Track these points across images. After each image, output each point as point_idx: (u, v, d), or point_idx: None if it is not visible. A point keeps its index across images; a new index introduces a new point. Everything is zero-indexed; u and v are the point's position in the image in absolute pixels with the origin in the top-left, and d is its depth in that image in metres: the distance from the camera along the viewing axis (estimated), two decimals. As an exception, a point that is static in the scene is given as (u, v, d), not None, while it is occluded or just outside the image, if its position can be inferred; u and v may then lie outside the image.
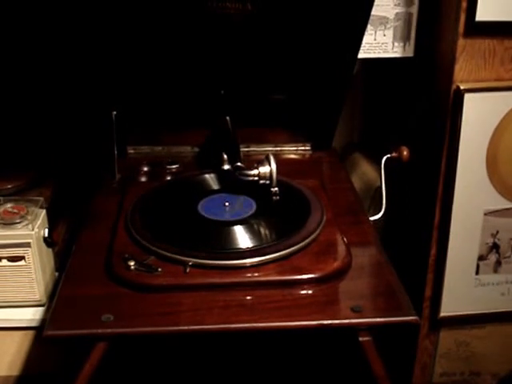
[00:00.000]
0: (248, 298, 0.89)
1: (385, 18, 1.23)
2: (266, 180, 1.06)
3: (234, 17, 1.09)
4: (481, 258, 1.27)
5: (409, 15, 1.23)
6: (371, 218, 1.14)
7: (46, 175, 1.29)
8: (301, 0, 1.09)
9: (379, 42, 1.25)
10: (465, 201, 1.22)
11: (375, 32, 1.23)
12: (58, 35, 1.26)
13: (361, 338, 0.86)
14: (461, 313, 1.31)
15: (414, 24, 1.24)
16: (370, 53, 1.25)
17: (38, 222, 1.09)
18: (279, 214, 1.06)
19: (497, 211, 1.24)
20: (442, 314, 1.30)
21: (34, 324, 1.11)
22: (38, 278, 1.09)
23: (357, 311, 0.86)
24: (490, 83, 1.15)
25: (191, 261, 0.92)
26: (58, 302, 0.89)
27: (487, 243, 1.26)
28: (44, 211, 1.13)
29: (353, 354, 0.89)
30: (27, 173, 1.27)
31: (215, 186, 1.16)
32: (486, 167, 1.20)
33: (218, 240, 0.98)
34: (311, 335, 0.93)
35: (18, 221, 1.08)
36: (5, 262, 1.07)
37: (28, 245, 1.07)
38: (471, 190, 1.21)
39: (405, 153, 1.22)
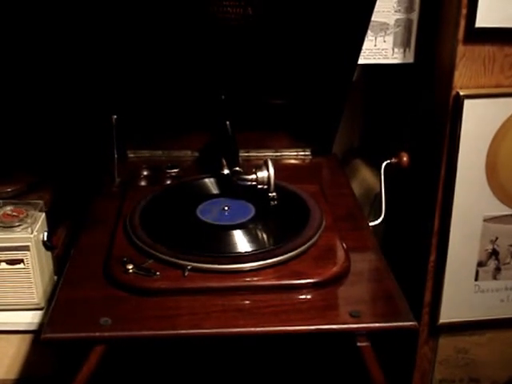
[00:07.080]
0: (246, 302, 0.89)
1: (385, 24, 1.23)
2: (264, 185, 1.06)
3: (234, 21, 1.10)
4: (480, 264, 1.27)
5: (409, 21, 1.24)
6: (371, 224, 1.14)
7: (46, 179, 1.29)
8: (301, 5, 1.09)
9: (379, 48, 1.25)
10: (464, 207, 1.22)
11: (375, 38, 1.24)
12: (59, 39, 1.26)
13: (359, 343, 0.86)
14: (460, 319, 1.31)
15: (414, 30, 1.24)
16: (370, 59, 1.26)
17: (38, 226, 1.09)
18: (278, 218, 1.06)
19: (496, 217, 1.24)
20: (442, 320, 1.30)
21: (32, 328, 1.11)
22: (37, 281, 1.09)
23: (355, 316, 0.86)
24: (490, 89, 1.16)
25: (190, 265, 0.92)
26: (56, 304, 0.89)
27: (486, 249, 1.26)
28: (43, 215, 1.13)
29: (351, 360, 0.89)
30: (27, 176, 1.27)
31: (215, 191, 1.16)
32: (485, 173, 1.20)
33: (216, 244, 0.98)
34: (309, 340, 0.93)
35: (17, 224, 1.08)
36: (3, 265, 1.07)
37: (27, 248, 1.07)
38: (471, 196, 1.21)
39: (404, 158, 1.22)
